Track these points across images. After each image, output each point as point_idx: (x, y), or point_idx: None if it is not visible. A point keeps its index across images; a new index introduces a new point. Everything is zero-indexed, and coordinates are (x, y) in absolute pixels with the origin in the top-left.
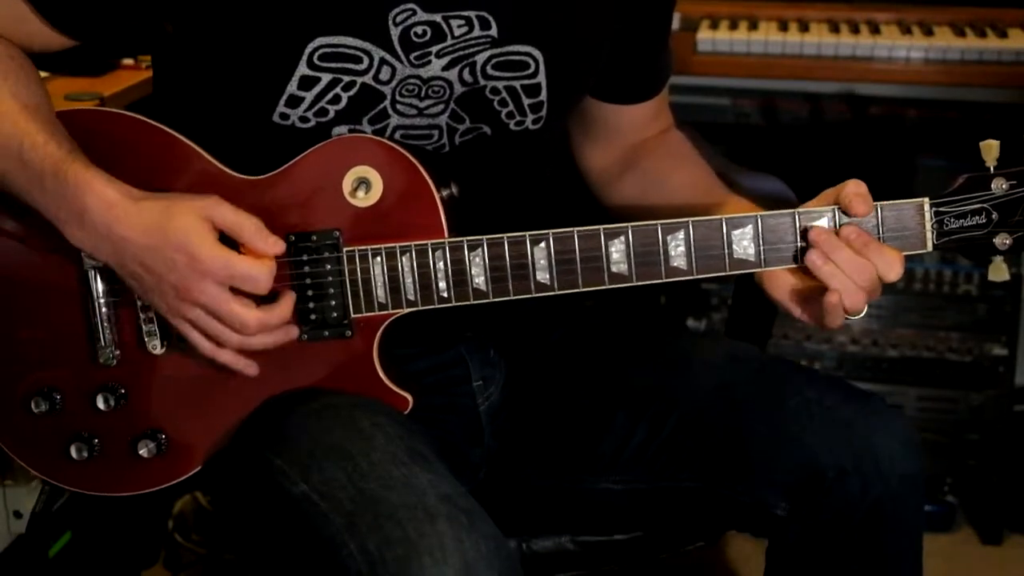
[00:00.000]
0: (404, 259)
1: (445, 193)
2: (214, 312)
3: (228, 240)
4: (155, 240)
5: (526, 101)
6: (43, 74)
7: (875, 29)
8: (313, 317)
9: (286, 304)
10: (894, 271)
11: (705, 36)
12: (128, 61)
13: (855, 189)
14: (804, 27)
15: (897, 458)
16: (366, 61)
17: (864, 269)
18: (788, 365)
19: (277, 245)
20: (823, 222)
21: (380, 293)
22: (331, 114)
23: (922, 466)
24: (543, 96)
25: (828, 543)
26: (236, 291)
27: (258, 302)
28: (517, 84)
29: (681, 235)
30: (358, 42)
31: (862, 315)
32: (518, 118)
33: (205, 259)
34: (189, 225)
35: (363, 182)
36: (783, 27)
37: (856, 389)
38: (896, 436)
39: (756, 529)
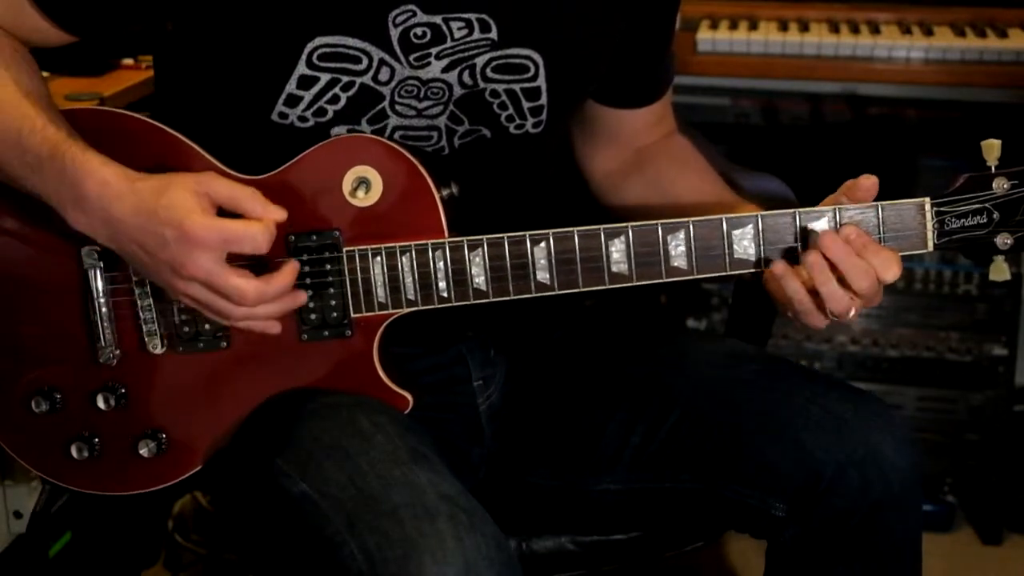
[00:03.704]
0: (404, 259)
1: (445, 193)
2: (211, 285)
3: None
4: (145, 219)
5: (526, 104)
6: (43, 74)
7: (875, 29)
8: (313, 317)
9: (287, 272)
10: (891, 272)
11: (705, 36)
12: (128, 61)
13: (865, 181)
14: (804, 27)
15: (896, 458)
16: (365, 61)
17: (863, 274)
18: (787, 365)
19: (278, 211)
20: (823, 222)
21: (380, 293)
22: (330, 114)
23: (920, 466)
24: (543, 100)
25: (827, 544)
26: (237, 262)
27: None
28: (517, 87)
29: (681, 235)
30: (357, 42)
31: (851, 315)
32: (518, 121)
33: (196, 229)
34: (179, 200)
35: (363, 182)
36: (783, 27)
37: (854, 389)
38: (895, 436)
39: (755, 530)
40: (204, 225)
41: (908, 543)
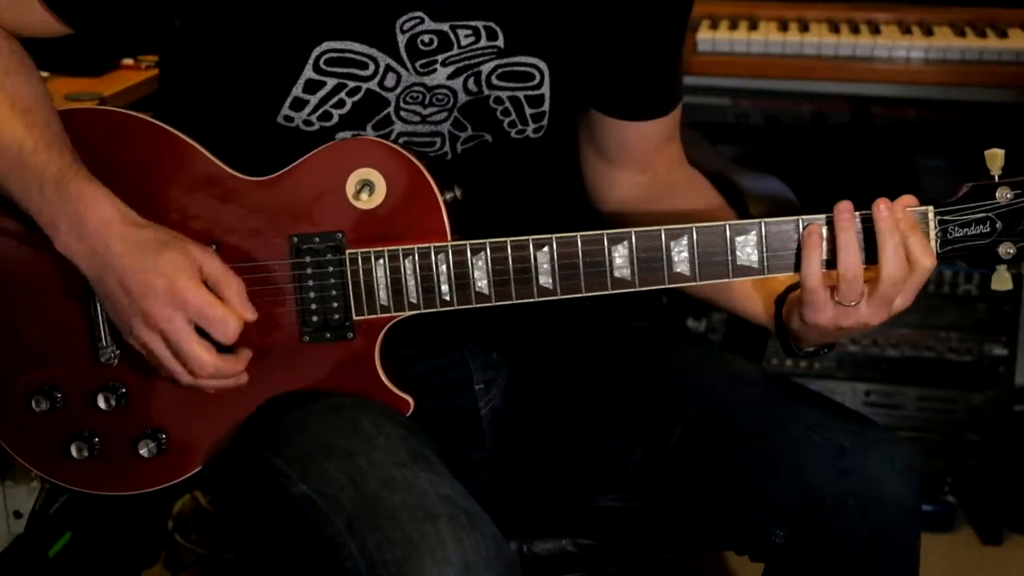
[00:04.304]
0: (407, 262)
1: (448, 196)
2: (174, 345)
3: None
4: (141, 264)
5: (528, 111)
6: (43, 74)
7: (875, 29)
8: (315, 319)
9: (243, 357)
10: (926, 259)
11: (705, 36)
12: (128, 61)
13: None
14: (804, 27)
15: (896, 487)
16: (372, 67)
17: (896, 247)
18: (791, 388)
19: (252, 312)
20: (826, 229)
21: (383, 295)
22: (335, 118)
23: (920, 495)
24: (545, 106)
25: (825, 572)
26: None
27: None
28: (521, 94)
29: (684, 241)
30: (365, 48)
31: (854, 320)
32: (519, 127)
33: (185, 290)
34: (175, 259)
35: (367, 184)
36: (783, 27)
37: (857, 415)
38: (896, 465)
39: (753, 553)
40: (193, 290)
41: (906, 572)
